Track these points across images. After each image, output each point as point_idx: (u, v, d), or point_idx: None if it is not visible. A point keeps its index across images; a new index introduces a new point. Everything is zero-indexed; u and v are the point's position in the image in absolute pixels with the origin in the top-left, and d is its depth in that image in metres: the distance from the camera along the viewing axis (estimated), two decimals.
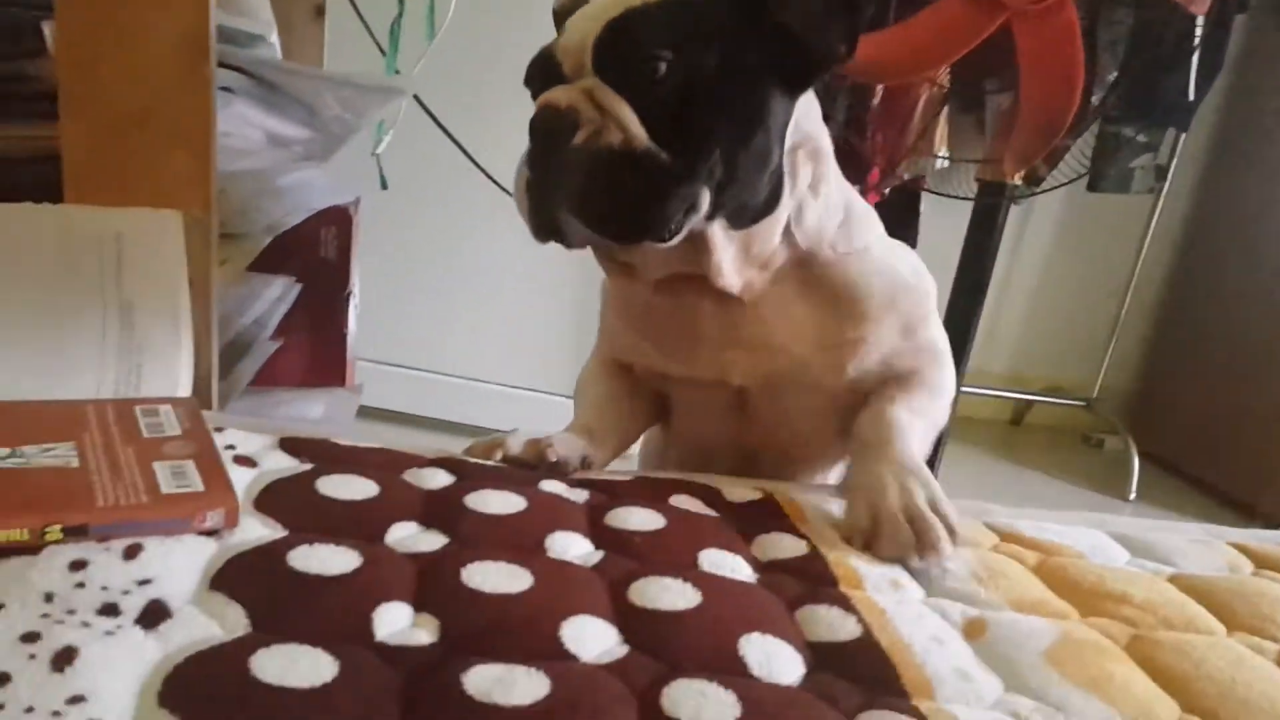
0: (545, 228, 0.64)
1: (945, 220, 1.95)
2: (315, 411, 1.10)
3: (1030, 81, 1.40)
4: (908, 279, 0.76)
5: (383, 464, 0.63)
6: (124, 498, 0.50)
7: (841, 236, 0.73)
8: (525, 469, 0.68)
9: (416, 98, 1.30)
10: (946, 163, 1.87)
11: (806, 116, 0.69)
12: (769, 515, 0.66)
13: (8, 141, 0.73)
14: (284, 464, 0.62)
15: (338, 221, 1.18)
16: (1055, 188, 1.60)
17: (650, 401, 0.84)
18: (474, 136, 1.46)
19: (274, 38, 0.93)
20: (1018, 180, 1.56)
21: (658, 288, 0.71)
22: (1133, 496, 2.45)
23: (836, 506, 0.68)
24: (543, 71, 0.65)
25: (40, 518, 0.47)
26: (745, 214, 0.67)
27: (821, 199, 0.71)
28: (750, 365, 0.75)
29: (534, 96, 0.65)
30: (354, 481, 0.59)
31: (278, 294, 1.07)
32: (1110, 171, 2.04)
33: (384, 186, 1.29)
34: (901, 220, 2.32)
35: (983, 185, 1.58)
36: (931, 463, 1.64)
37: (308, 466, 0.61)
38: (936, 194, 1.73)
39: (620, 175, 0.60)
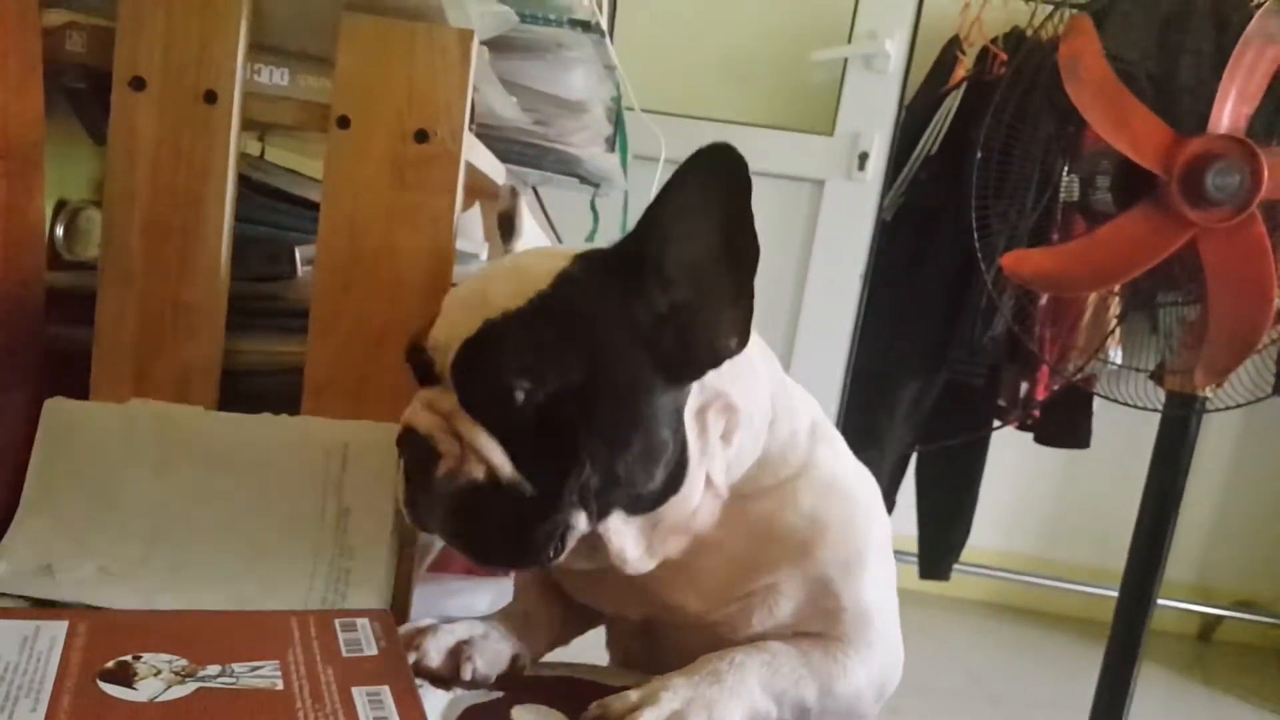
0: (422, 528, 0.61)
1: (1122, 422, 1.86)
2: (483, 603, 1.12)
3: (1220, 297, 1.35)
4: (842, 517, 0.66)
5: (569, 693, 0.64)
6: None
7: (762, 471, 0.65)
8: (439, 683, 0.63)
9: None
10: (1118, 367, 1.81)
11: (714, 374, 0.62)
12: None
13: (256, 355, 0.81)
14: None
15: None
16: (1249, 403, 1.51)
17: None
18: None
19: (485, 256, 1.02)
20: (1208, 392, 1.49)
21: None
22: None
23: None
24: (418, 363, 0.63)
25: None
26: (643, 503, 0.61)
27: (734, 445, 0.64)
28: (647, 612, 0.69)
29: (415, 375, 0.63)
30: (545, 715, 0.60)
31: None
32: None
33: None
34: (1071, 420, 2.24)
35: (1171, 396, 1.52)
36: (1118, 710, 1.51)
37: (499, 694, 0.62)
38: (1112, 400, 1.66)
39: (484, 509, 0.57)
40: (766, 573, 0.65)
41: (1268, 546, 2.71)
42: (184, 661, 0.57)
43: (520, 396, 0.57)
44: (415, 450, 0.59)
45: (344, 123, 0.75)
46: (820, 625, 0.66)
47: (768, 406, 0.66)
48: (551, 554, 0.59)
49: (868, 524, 0.68)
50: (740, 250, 0.58)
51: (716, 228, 0.58)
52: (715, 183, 0.56)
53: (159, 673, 0.56)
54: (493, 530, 0.58)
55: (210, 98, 0.75)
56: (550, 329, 0.58)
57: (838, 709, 0.65)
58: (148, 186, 0.77)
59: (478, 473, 0.57)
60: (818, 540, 0.65)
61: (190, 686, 0.54)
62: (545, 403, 0.57)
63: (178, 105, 0.75)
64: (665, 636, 0.71)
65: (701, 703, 0.58)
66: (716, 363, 0.60)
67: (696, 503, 0.63)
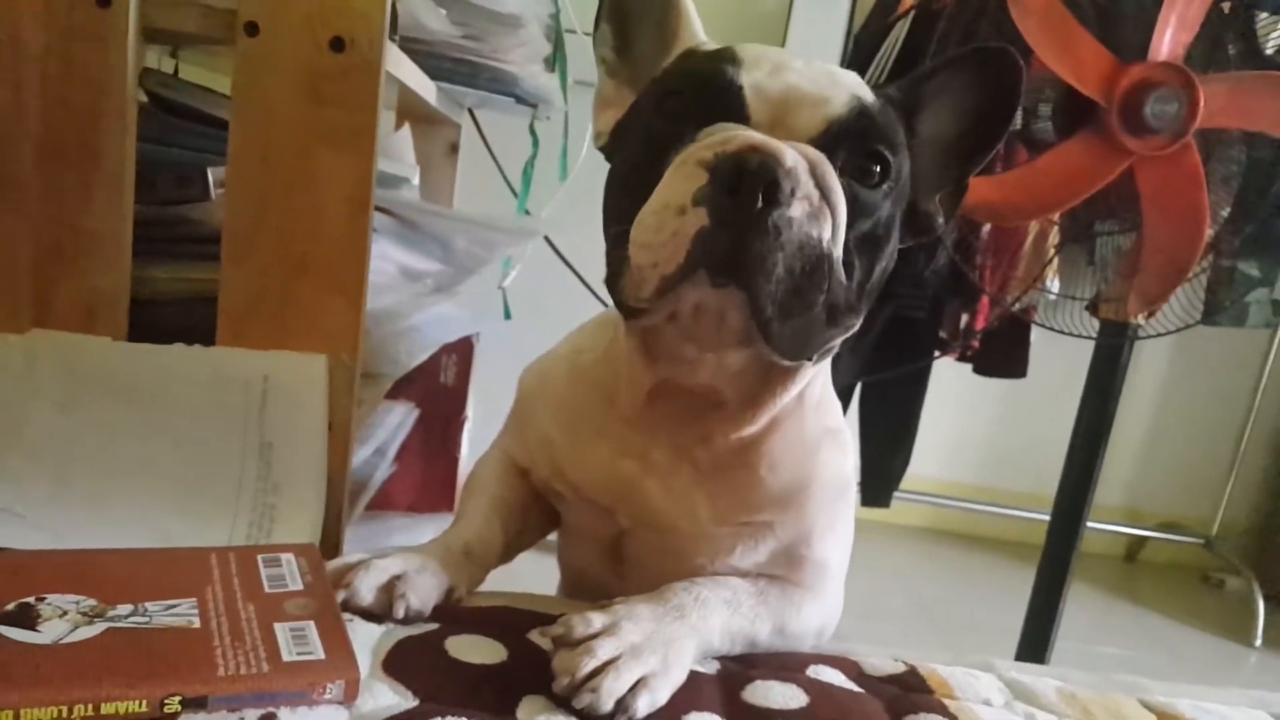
0: (664, 291, 0.52)
1: (1058, 354, 1.89)
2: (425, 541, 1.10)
3: (1154, 225, 1.36)
4: (840, 477, 0.67)
5: (507, 623, 0.62)
6: (244, 665, 0.50)
7: (820, 409, 0.65)
8: (371, 619, 0.59)
9: (547, 238, 1.33)
10: (1056, 296, 1.83)
11: None
12: (914, 691, 0.63)
13: (167, 283, 0.76)
14: None
15: (459, 350, 1.21)
16: (1179, 330, 1.54)
17: (543, 515, 0.75)
18: (598, 272, 1.45)
19: (416, 180, 0.97)
20: (1140, 320, 1.52)
21: (652, 394, 0.62)
22: (1258, 643, 2.32)
23: (986, 682, 0.64)
24: (717, 97, 0.54)
25: (161, 688, 0.48)
26: (827, 353, 0.59)
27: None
28: (641, 517, 0.66)
29: (680, 112, 0.55)
30: (481, 644, 0.58)
31: (398, 420, 1.08)
32: (1226, 305, 1.99)
33: (508, 317, 1.32)
34: (1010, 351, 2.27)
35: (1104, 324, 1.54)
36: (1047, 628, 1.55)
37: (433, 626, 0.60)
38: (1049, 329, 1.68)
39: (813, 277, 0.51)
40: (770, 509, 0.64)
41: (1193, 471, 2.80)
42: (93, 602, 0.54)
43: (876, 174, 0.55)
44: (767, 179, 0.49)
45: (252, 29, 0.69)
46: (783, 570, 0.66)
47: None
48: (820, 355, 0.57)
49: (852, 488, 0.69)
50: (975, 147, 0.61)
51: (965, 116, 0.60)
52: (984, 76, 0.59)
53: (65, 614, 0.53)
54: (805, 306, 0.51)
55: (103, 1, 0.69)
56: (897, 129, 0.58)
57: (783, 646, 0.66)
58: (38, 102, 0.71)
59: (825, 232, 0.52)
60: (826, 494, 0.65)
61: (99, 627, 0.52)
62: (884, 195, 0.56)
63: (67, 9, 0.69)
64: (633, 559, 0.69)
65: (661, 639, 0.56)
66: (922, 233, 0.62)
67: (812, 376, 0.62)
